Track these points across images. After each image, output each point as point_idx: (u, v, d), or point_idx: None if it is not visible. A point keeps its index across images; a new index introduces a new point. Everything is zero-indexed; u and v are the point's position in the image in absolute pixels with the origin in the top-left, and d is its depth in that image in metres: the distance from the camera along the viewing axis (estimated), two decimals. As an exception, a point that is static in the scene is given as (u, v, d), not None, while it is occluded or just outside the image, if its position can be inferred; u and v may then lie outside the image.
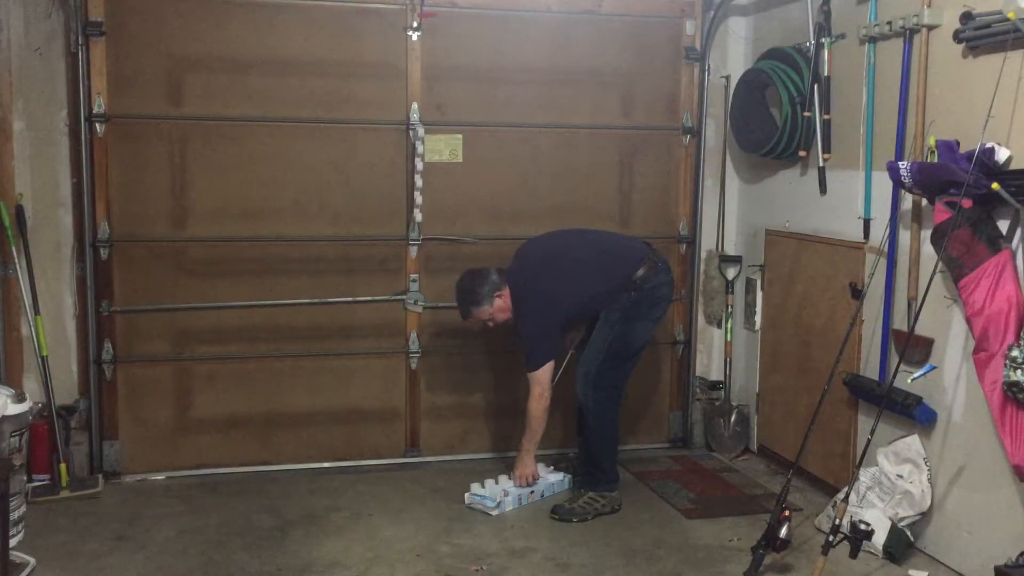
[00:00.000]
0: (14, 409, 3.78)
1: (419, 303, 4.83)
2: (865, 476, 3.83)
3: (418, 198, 4.71)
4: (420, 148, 4.67)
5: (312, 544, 3.84)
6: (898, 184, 3.64)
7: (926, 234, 3.67)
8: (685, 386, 5.25)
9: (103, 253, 4.46)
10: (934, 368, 3.60)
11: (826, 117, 4.35)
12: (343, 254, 4.75)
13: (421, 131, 4.67)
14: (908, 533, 3.73)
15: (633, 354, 4.25)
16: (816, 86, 4.35)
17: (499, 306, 4.22)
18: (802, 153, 4.49)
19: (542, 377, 4.14)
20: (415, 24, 4.64)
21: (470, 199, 4.84)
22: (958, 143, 3.44)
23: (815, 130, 4.39)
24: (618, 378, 4.26)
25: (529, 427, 4.24)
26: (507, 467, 4.71)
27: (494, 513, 4.18)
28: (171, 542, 3.84)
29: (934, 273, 3.48)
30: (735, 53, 5.12)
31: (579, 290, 4.17)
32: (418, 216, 4.73)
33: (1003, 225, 3.32)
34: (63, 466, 4.29)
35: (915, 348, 3.71)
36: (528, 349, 4.17)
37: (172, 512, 4.15)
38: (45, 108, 4.39)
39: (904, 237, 3.87)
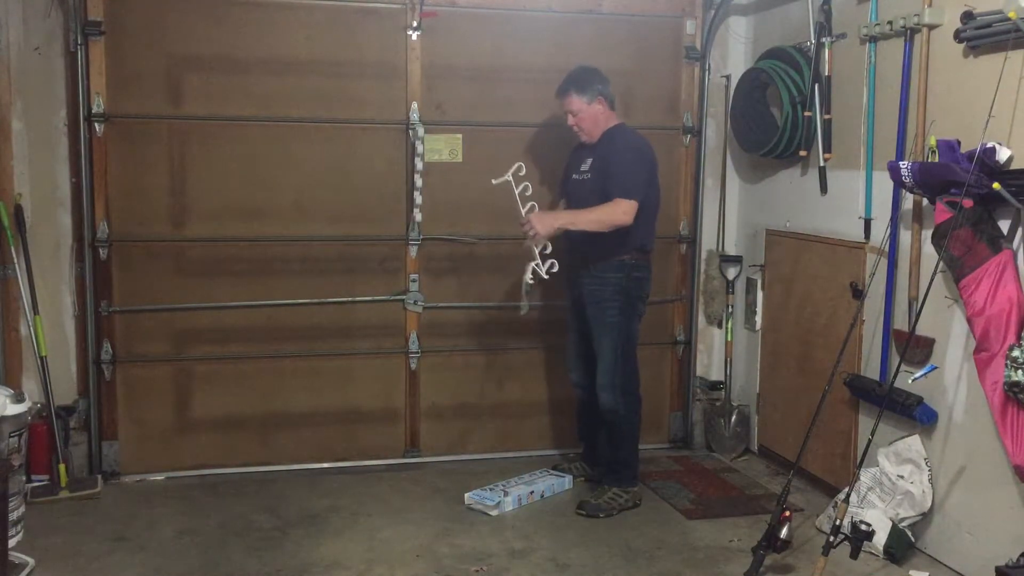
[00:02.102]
0: (13, 409, 3.78)
1: (419, 303, 4.82)
2: (866, 476, 3.83)
3: (418, 198, 4.70)
4: (420, 148, 4.67)
5: (312, 544, 3.83)
6: (899, 184, 3.64)
7: (927, 234, 3.67)
8: (685, 386, 5.24)
9: (102, 253, 4.45)
10: (935, 368, 3.59)
11: (827, 117, 4.34)
12: (343, 254, 4.74)
13: (421, 131, 4.67)
14: (909, 534, 3.72)
15: (636, 347, 4.33)
16: (817, 86, 4.34)
17: (593, 110, 4.18)
18: (803, 153, 4.49)
19: (627, 209, 4.00)
20: (415, 24, 4.64)
21: (470, 199, 4.83)
22: (959, 143, 3.44)
23: (816, 130, 4.39)
24: (635, 373, 4.32)
25: (585, 212, 4.09)
26: (506, 468, 4.72)
27: (494, 513, 4.18)
28: (170, 542, 3.83)
29: (935, 273, 3.48)
30: (735, 53, 5.12)
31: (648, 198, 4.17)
32: (418, 216, 4.72)
33: (1004, 225, 3.32)
34: (62, 466, 4.29)
35: (916, 348, 3.71)
36: (625, 178, 4.06)
37: (171, 512, 4.15)
38: (44, 108, 4.38)
39: (905, 237, 3.87)
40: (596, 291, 4.20)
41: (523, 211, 4.17)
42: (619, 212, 4.03)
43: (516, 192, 4.20)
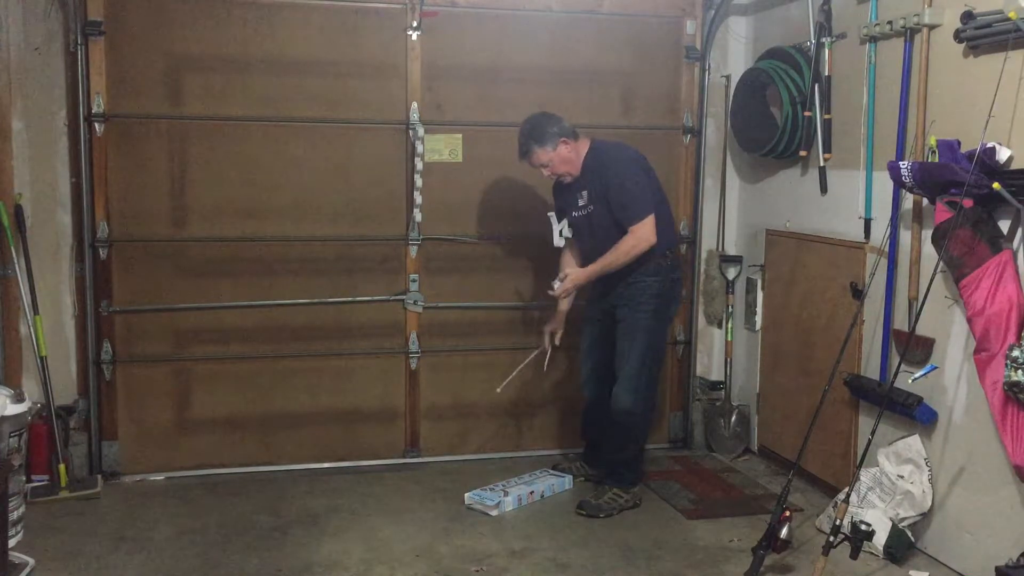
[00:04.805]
0: (13, 409, 3.77)
1: (419, 303, 4.82)
2: (866, 476, 3.82)
3: (418, 198, 4.70)
4: (420, 148, 4.67)
5: (312, 544, 3.83)
6: (899, 184, 3.64)
7: (927, 234, 3.66)
8: (685, 386, 5.24)
9: (102, 253, 4.45)
10: (935, 368, 3.59)
11: (827, 117, 4.34)
12: (343, 254, 4.74)
13: (421, 131, 4.67)
14: (909, 534, 3.72)
15: (663, 352, 4.34)
16: (817, 86, 4.34)
17: (562, 153, 4.10)
18: (803, 153, 4.48)
19: (646, 231, 4.00)
20: (415, 24, 4.64)
21: (470, 199, 4.83)
22: (959, 143, 3.44)
23: (816, 130, 4.39)
24: (656, 380, 4.32)
25: (611, 255, 4.05)
26: (506, 468, 4.72)
27: (494, 513, 4.18)
28: (170, 542, 3.83)
29: (935, 273, 3.48)
30: (735, 53, 5.12)
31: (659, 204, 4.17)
32: (418, 216, 4.72)
33: (1004, 225, 3.31)
34: (62, 467, 4.29)
35: (916, 348, 3.71)
36: (628, 201, 4.03)
37: (171, 512, 4.15)
38: (44, 107, 4.38)
39: (905, 237, 3.87)
40: (632, 294, 4.14)
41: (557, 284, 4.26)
42: (642, 237, 4.01)
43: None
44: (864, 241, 4.12)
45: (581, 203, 4.20)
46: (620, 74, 4.94)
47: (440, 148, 4.76)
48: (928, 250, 3.66)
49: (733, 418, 5.10)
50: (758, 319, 5.00)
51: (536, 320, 4.97)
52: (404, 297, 4.81)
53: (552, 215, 4.37)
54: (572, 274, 4.18)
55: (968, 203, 3.28)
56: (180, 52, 4.45)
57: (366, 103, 4.66)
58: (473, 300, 4.88)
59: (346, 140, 4.67)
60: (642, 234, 4.01)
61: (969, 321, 3.38)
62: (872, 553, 3.68)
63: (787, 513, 3.44)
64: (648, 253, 4.06)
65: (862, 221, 4.12)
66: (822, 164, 4.40)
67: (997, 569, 3.10)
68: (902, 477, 3.74)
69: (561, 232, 4.33)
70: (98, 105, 4.36)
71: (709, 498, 4.43)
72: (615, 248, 4.05)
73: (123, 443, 4.57)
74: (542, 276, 4.91)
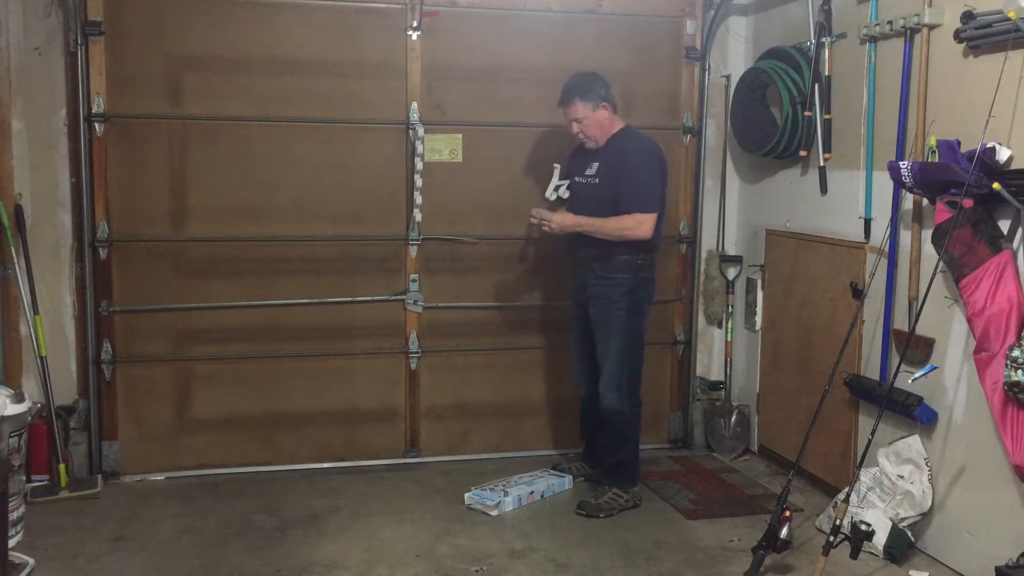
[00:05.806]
0: (13, 409, 3.78)
1: (419, 303, 4.82)
2: (866, 476, 3.83)
3: (418, 198, 4.70)
4: (420, 148, 4.67)
5: (312, 544, 3.83)
6: (899, 184, 3.64)
7: (927, 234, 3.67)
8: (685, 386, 5.24)
9: (102, 253, 4.45)
10: (935, 368, 3.60)
11: (827, 117, 4.35)
12: (343, 254, 4.74)
13: (421, 131, 4.67)
14: (909, 534, 3.72)
15: (642, 348, 4.31)
16: (817, 86, 4.34)
17: (599, 117, 4.13)
18: (803, 153, 4.49)
19: (647, 224, 4.04)
20: (415, 24, 4.64)
21: (470, 199, 4.83)
22: (959, 143, 3.44)
23: (816, 130, 4.39)
24: (638, 376, 4.32)
25: (604, 221, 4.09)
26: (506, 468, 4.72)
27: (494, 513, 4.18)
28: (170, 542, 3.83)
29: (935, 273, 3.48)
30: (735, 53, 5.12)
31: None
32: (418, 216, 4.72)
33: (1004, 225, 3.32)
34: (62, 466, 4.29)
35: (916, 348, 3.71)
36: (637, 193, 4.06)
37: (171, 512, 4.15)
38: (44, 108, 4.38)
39: (905, 237, 3.87)
40: (603, 292, 4.18)
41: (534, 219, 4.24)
42: (641, 227, 4.05)
43: None
44: (864, 241, 4.13)
45: (589, 172, 4.23)
46: (620, 74, 4.92)
47: (440, 148, 4.76)
48: (928, 250, 3.66)
49: (733, 418, 5.10)
50: (758, 319, 5.00)
51: (536, 320, 4.98)
52: (404, 297, 4.81)
53: (557, 167, 4.40)
54: (560, 214, 4.19)
55: (968, 203, 3.29)
56: (180, 52, 4.45)
57: (366, 103, 4.66)
58: (473, 300, 4.88)
59: (346, 140, 4.67)
60: (644, 224, 4.06)
61: (969, 321, 3.38)
62: (872, 553, 3.68)
63: (787, 513, 3.44)
64: (626, 249, 4.10)
65: (862, 221, 4.12)
66: (822, 164, 4.40)
67: (997, 569, 3.10)
68: (902, 477, 3.74)
69: (557, 188, 4.37)
70: (98, 105, 4.36)
71: (709, 498, 4.44)
72: (614, 219, 4.08)
73: (123, 443, 4.57)
74: (543, 276, 4.92)
